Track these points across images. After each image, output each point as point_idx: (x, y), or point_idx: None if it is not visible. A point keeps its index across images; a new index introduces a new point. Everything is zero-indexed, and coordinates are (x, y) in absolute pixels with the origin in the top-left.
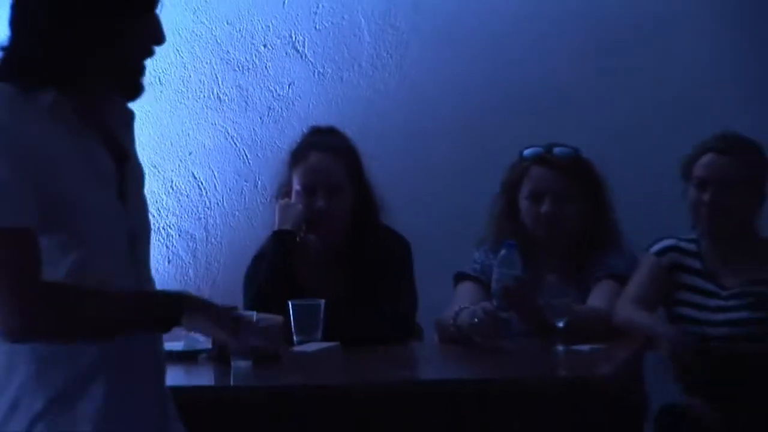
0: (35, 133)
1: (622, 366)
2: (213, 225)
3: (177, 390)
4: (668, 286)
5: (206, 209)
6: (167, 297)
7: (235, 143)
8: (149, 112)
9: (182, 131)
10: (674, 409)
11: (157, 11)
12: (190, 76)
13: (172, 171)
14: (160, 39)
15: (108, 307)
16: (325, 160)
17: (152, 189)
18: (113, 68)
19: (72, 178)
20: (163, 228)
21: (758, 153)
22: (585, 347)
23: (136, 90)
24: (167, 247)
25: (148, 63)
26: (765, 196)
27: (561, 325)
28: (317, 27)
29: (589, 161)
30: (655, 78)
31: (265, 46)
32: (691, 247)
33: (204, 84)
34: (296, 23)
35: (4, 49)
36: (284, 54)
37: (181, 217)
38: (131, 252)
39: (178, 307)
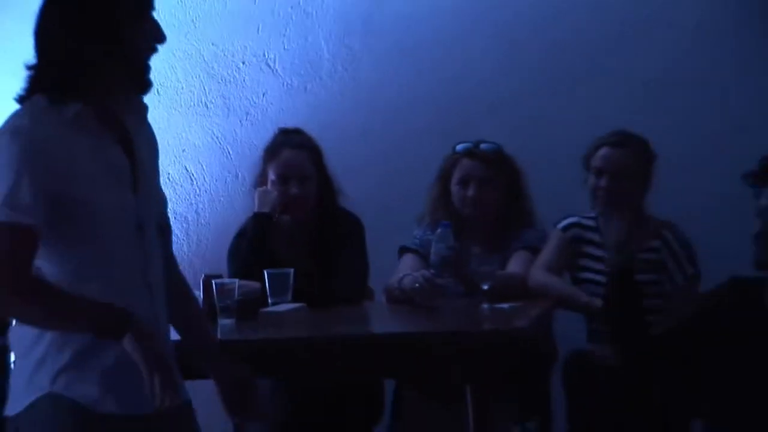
0: (57, 141)
1: (535, 320)
2: (202, 209)
3: (174, 343)
4: (572, 255)
5: (196, 196)
6: (116, 315)
7: (219, 142)
8: (149, 117)
9: (177, 133)
10: (579, 354)
11: (154, 14)
12: (182, 88)
13: (168, 165)
14: (160, 37)
15: (67, 312)
16: (296, 155)
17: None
18: (125, 70)
19: (88, 183)
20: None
21: (645, 147)
22: (505, 305)
23: (146, 85)
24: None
25: None
26: (650, 182)
27: (486, 287)
28: (285, 47)
29: (509, 156)
30: (554, 78)
31: (243, 63)
32: (591, 223)
33: (194, 94)
34: (269, 44)
35: (32, 67)
36: (259, 69)
37: (176, 203)
38: (139, 240)
39: (121, 327)
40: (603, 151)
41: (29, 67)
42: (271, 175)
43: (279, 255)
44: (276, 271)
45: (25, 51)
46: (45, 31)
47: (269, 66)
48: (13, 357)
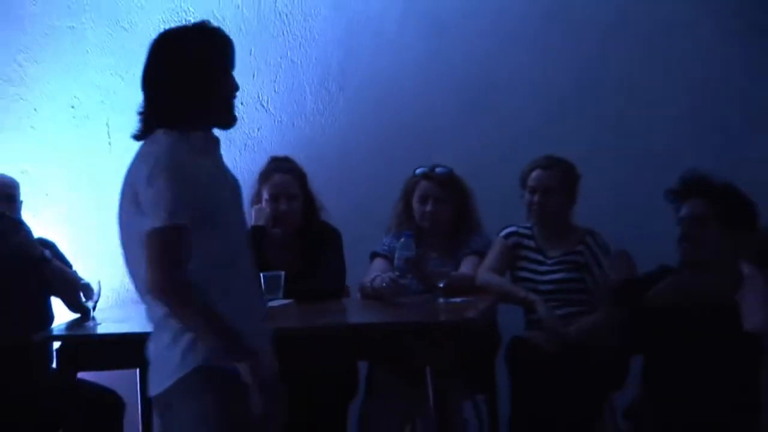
0: (191, 164)
1: (482, 312)
2: None
3: None
4: (512, 258)
5: None
6: (240, 345)
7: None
8: None
9: None
10: (519, 340)
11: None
12: None
13: None
14: (237, 86)
15: (205, 322)
16: (284, 178)
17: None
18: (220, 108)
19: (217, 194)
20: None
21: (571, 168)
22: (458, 300)
23: (233, 120)
24: None
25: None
26: (575, 197)
27: (441, 285)
28: (276, 90)
29: (459, 177)
30: (493, 110)
31: (242, 103)
32: (527, 231)
33: None
34: (262, 88)
35: (144, 111)
36: (255, 109)
37: None
38: (247, 241)
39: (243, 358)
40: (535, 173)
41: (141, 112)
42: (265, 195)
43: (272, 260)
44: (270, 274)
45: None
46: (159, 83)
47: (263, 106)
48: (153, 346)
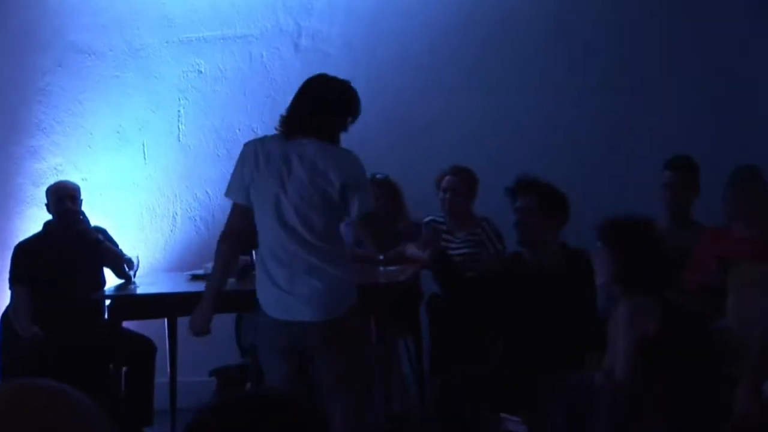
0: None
1: (410, 276)
2: (215, 214)
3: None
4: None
5: (211, 207)
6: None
7: (225, 179)
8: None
9: (200, 172)
10: (436, 296)
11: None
12: (207, 144)
13: (197, 189)
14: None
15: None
16: None
17: (194, 199)
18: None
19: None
20: (192, 217)
21: (471, 174)
22: (393, 268)
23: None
24: (195, 223)
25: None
26: (475, 194)
27: (381, 258)
28: (263, 121)
29: (393, 181)
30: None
31: (238, 130)
32: (441, 219)
33: (210, 148)
34: (252, 119)
35: (285, 117)
36: (248, 135)
37: (201, 211)
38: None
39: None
40: (447, 178)
41: (282, 117)
42: None
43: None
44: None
45: None
46: (309, 103)
47: (254, 131)
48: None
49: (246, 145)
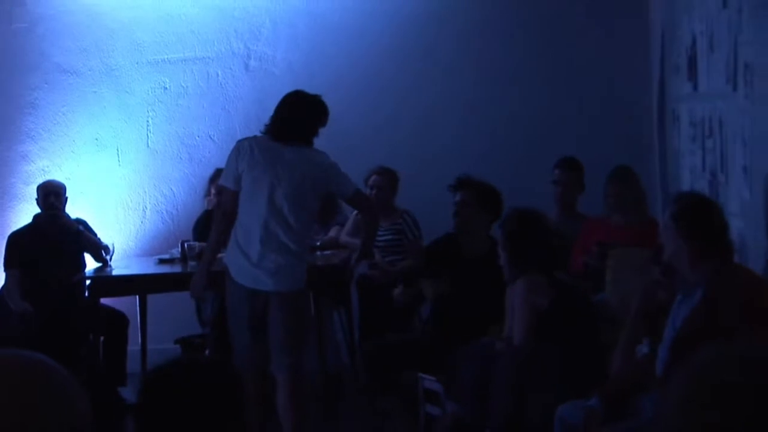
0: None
1: (343, 260)
2: (180, 208)
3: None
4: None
5: (177, 203)
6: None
7: (193, 178)
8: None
9: (164, 173)
10: (364, 276)
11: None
12: (182, 153)
13: (164, 188)
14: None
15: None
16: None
17: (161, 195)
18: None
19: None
20: (160, 210)
21: (393, 173)
22: (328, 252)
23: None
24: (162, 216)
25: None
26: (396, 190)
27: (318, 243)
28: (219, 129)
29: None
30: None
31: (197, 137)
32: None
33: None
34: (210, 127)
35: (269, 124)
36: (205, 140)
37: (175, 205)
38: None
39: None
40: (373, 177)
41: (267, 124)
42: (213, 191)
43: None
44: None
45: None
46: (289, 114)
47: (211, 138)
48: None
49: (240, 141)
